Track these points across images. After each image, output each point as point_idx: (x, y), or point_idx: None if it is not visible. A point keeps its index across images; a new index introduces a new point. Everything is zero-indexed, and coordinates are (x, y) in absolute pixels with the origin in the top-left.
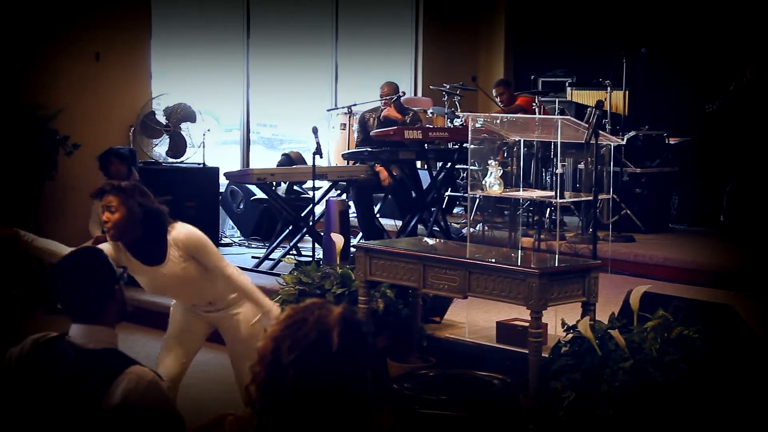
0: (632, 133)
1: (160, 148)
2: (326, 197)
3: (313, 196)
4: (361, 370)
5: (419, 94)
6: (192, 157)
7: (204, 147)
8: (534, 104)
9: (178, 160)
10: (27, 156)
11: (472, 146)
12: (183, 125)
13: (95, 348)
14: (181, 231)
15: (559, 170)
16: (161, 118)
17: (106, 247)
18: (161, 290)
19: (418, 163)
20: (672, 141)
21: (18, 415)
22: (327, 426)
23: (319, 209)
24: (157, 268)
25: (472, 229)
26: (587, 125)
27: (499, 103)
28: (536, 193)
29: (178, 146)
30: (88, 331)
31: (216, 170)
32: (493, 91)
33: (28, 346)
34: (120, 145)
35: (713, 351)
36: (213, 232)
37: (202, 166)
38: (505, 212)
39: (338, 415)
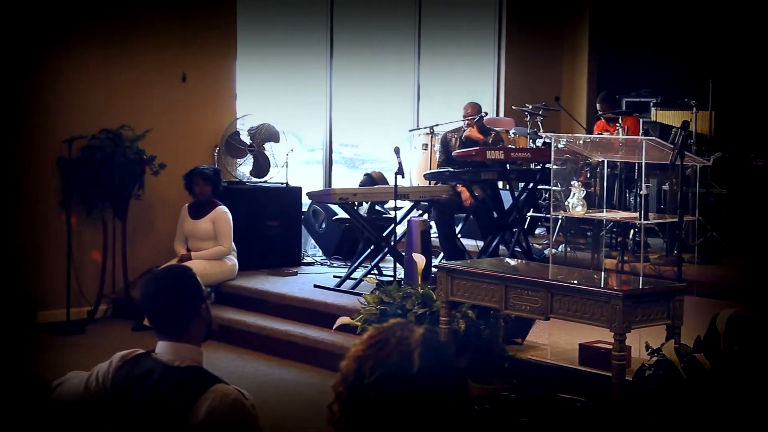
0: (719, 154)
1: (244, 168)
2: (408, 217)
3: (395, 216)
4: (443, 391)
5: (501, 114)
6: (275, 176)
7: (287, 167)
8: (617, 126)
9: (262, 180)
10: (115, 175)
11: (554, 167)
12: (267, 145)
13: (181, 365)
14: None
15: (643, 191)
16: (245, 138)
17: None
18: None
19: (500, 184)
20: (759, 162)
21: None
22: None
23: (400, 229)
24: None
25: (554, 250)
26: (672, 146)
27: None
28: (620, 215)
29: (261, 166)
30: (174, 348)
31: (299, 190)
32: (598, 105)
33: (116, 363)
34: (205, 165)
35: None
36: (295, 250)
37: (285, 185)
38: (588, 233)
39: None
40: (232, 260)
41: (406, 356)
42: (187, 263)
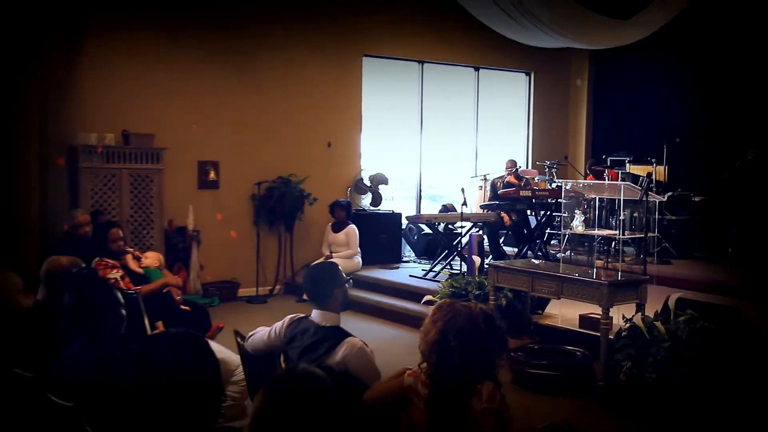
0: (670, 193)
1: (366, 201)
2: (469, 232)
3: (461, 231)
4: (502, 340)
5: (529, 166)
6: (385, 206)
7: (393, 200)
8: (605, 174)
9: (377, 208)
10: (286, 206)
11: (564, 201)
12: (380, 186)
13: (326, 325)
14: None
15: (621, 217)
16: (367, 182)
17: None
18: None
19: (529, 211)
20: (696, 198)
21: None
22: (477, 372)
23: (465, 240)
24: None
25: (563, 254)
26: (640, 188)
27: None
28: (606, 232)
29: (376, 199)
30: (323, 314)
31: (399, 215)
32: (587, 170)
33: (287, 321)
34: (341, 198)
35: (724, 338)
36: (397, 253)
37: (391, 212)
38: (585, 244)
39: (483, 370)
40: (358, 259)
41: (475, 323)
42: (330, 260)
